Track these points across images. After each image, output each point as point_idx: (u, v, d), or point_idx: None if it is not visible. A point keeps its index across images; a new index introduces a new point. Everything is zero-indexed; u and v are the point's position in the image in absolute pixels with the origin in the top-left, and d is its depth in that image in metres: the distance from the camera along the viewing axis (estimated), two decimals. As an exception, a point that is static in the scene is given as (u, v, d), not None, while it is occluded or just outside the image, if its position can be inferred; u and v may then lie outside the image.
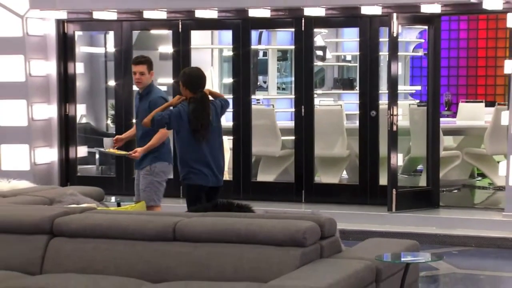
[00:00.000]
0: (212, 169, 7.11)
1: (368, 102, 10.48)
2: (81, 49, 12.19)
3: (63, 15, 11.30)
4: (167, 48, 11.80)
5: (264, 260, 5.00)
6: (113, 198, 7.91)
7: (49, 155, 11.45)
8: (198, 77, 7.10)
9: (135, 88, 7.66)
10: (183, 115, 7.01)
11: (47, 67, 11.43)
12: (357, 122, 10.74)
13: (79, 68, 11.82)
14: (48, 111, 11.44)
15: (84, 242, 5.36)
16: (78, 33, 11.75)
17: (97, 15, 11.18)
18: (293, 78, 11.21)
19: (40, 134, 11.32)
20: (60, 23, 11.45)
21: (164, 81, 12.46)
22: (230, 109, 11.05)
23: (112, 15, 11.17)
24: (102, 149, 7.76)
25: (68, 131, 11.54)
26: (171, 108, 7.12)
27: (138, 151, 7.59)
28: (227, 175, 11.87)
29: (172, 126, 7.07)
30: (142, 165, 7.72)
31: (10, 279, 5.15)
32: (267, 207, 8.87)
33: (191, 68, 7.53)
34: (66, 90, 11.53)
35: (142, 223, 5.34)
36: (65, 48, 11.49)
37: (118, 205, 7.44)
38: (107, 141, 8.05)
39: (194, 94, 7.03)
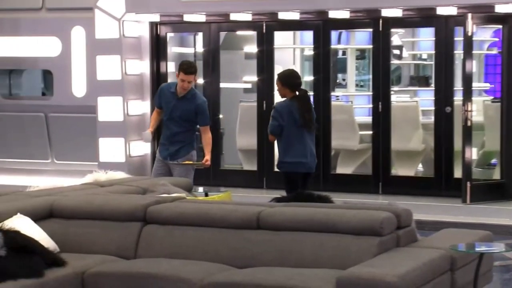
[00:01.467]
0: (312, 157, 7.60)
1: (443, 98, 10.32)
2: (172, 50, 12.31)
3: (156, 18, 11.44)
4: (252, 48, 11.81)
5: (343, 248, 4.96)
6: (201, 189, 7.95)
7: (142, 148, 11.60)
8: (296, 77, 7.69)
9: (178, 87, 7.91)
10: (283, 114, 7.49)
11: (141, 66, 11.58)
12: (433, 117, 10.58)
13: (171, 67, 11.93)
14: (142, 107, 11.59)
15: (174, 229, 5.40)
16: (169, 35, 11.87)
17: (187, 17, 11.28)
18: (371, 76, 11.11)
19: (134, 128, 11.48)
20: (153, 26, 11.59)
21: (249, 79, 12.48)
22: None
23: (201, 18, 11.25)
24: (176, 162, 7.85)
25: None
26: (272, 114, 7.62)
27: (208, 159, 7.81)
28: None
29: (282, 128, 7.55)
30: (178, 156, 7.85)
31: (107, 263, 5.23)
32: (346, 198, 8.80)
33: (288, 70, 8.05)
34: (158, 87, 11.62)
35: (228, 212, 5.36)
36: (158, 49, 11.62)
37: (206, 195, 7.47)
38: (147, 134, 8.14)
39: (293, 92, 7.52)
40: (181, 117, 7.86)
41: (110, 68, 11.31)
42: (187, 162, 7.91)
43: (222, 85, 11.53)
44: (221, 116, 11.53)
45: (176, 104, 7.88)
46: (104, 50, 11.28)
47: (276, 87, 7.78)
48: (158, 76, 11.62)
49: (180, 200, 5.82)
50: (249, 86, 12.65)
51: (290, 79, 7.58)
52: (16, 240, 4.94)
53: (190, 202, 5.77)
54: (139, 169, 11.39)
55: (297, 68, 13.37)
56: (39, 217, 5.57)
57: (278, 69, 11.68)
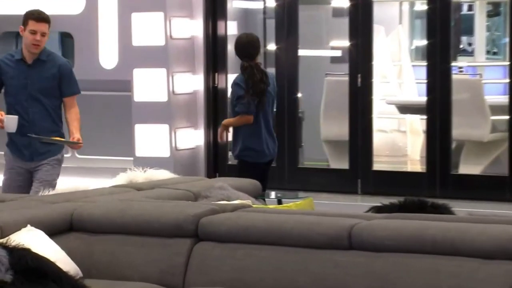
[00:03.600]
0: (267, 143, 8.35)
1: None
2: (233, 4, 12.38)
3: (211, -39, 11.52)
4: (343, 2, 11.80)
5: (467, 276, 4.94)
6: (272, 193, 8.01)
7: (193, 138, 11.70)
8: (242, 45, 8.58)
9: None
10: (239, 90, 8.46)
11: (192, 28, 11.66)
12: None
13: (232, 28, 11.98)
14: (193, 82, 11.68)
15: (236, 248, 5.45)
16: (230, -16, 11.95)
17: (254, -40, 11.34)
18: (507, 40, 10.99)
19: (183, 111, 11.57)
20: (208, -28, 11.67)
21: (338, 43, 12.47)
22: (423, 79, 11.07)
23: (273, -39, 11.29)
24: (41, 137, 7.68)
25: (217, 107, 11.75)
26: (238, 93, 8.49)
27: (80, 138, 7.65)
28: (419, 166, 11.79)
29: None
30: (49, 154, 7.75)
31: (146, 293, 5.32)
32: (472, 207, 8.75)
33: (242, 34, 8.94)
34: (215, 56, 11.74)
35: (310, 226, 5.38)
36: (214, 3, 11.69)
37: (279, 202, 7.53)
38: (13, 118, 7.68)
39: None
40: (43, 90, 7.68)
41: (150, 30, 11.41)
42: (55, 138, 7.70)
43: (301, 52, 11.55)
44: (299, 95, 11.55)
45: (30, 74, 7.72)
46: (141, 6, 11.38)
47: None
48: (214, 40, 11.70)
49: (244, 209, 5.88)
50: (338, 53, 12.64)
51: (236, 46, 8.61)
52: (25, 260, 5.04)
53: (257, 212, 5.82)
54: (189, 167, 11.48)
55: (404, 28, 13.31)
56: (56, 230, 5.67)
57: (378, 31, 11.64)
